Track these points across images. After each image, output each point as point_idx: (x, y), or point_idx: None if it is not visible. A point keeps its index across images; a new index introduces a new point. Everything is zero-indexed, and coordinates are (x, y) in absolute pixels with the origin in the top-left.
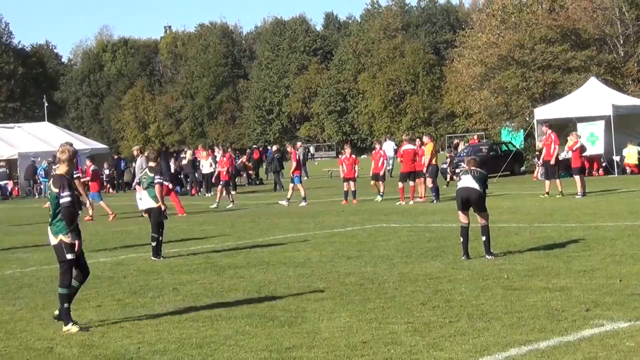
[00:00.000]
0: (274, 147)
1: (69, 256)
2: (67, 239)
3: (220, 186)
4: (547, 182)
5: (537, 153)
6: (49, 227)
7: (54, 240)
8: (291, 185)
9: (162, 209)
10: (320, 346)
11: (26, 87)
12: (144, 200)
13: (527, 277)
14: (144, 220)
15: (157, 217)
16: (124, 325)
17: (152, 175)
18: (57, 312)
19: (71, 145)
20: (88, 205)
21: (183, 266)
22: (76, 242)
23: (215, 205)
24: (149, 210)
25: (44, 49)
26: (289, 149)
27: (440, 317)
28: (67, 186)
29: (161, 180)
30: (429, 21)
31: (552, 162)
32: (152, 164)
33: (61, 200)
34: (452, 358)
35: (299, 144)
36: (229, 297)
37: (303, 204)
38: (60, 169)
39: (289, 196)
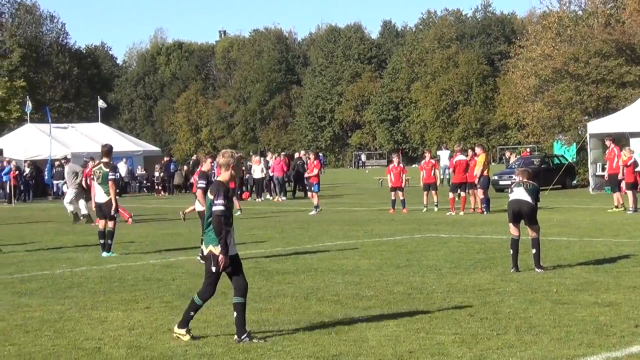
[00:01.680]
0: (296, 154)
1: (213, 269)
2: (216, 250)
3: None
4: (615, 195)
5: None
6: (202, 236)
7: (205, 251)
8: (312, 193)
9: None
10: (367, 354)
11: (80, 88)
12: (196, 203)
13: (576, 292)
14: (194, 223)
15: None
16: (172, 327)
17: (199, 180)
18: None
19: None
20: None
21: None
22: (221, 256)
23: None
24: (200, 213)
25: (99, 50)
26: (302, 156)
27: (487, 329)
28: (223, 194)
29: (203, 185)
30: (484, 32)
31: (620, 175)
32: (203, 168)
33: (213, 208)
34: None
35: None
36: (277, 302)
37: (313, 212)
38: (222, 175)
39: (316, 203)
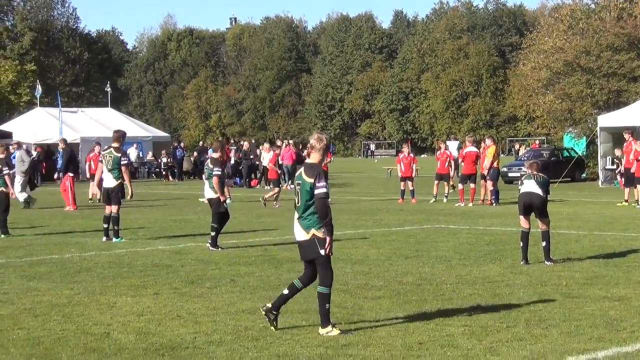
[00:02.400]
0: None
1: (322, 252)
2: (320, 233)
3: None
4: (627, 190)
5: (615, 160)
6: (296, 221)
7: (304, 236)
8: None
9: (222, 200)
10: (377, 345)
11: (90, 73)
12: (206, 190)
13: (585, 285)
14: (202, 209)
15: (217, 208)
16: (180, 314)
17: (211, 167)
18: (269, 304)
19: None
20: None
21: (241, 258)
22: (327, 238)
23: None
24: (210, 201)
25: (109, 35)
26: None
27: (497, 322)
28: (324, 177)
29: (219, 173)
30: (495, 23)
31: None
32: (215, 155)
33: (316, 191)
34: None
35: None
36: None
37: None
38: (314, 157)
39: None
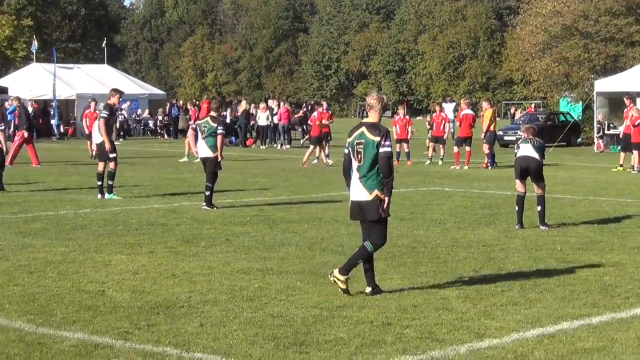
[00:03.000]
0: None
1: (383, 214)
2: (381, 194)
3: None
4: (622, 155)
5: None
6: (357, 181)
7: (366, 196)
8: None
9: (220, 159)
10: (371, 307)
11: (87, 29)
12: (201, 149)
13: (580, 251)
14: (197, 168)
15: (213, 167)
16: (175, 273)
17: (214, 125)
18: (369, 288)
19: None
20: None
21: (236, 217)
22: (387, 198)
23: (185, 159)
24: (205, 160)
25: None
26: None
27: (492, 286)
28: (389, 136)
29: (223, 131)
30: None
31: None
32: (214, 113)
33: (382, 150)
34: (503, 327)
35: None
36: (281, 251)
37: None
38: (373, 116)
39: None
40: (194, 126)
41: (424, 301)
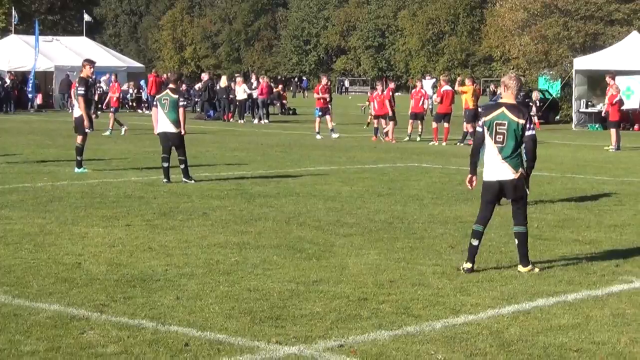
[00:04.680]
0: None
1: (527, 191)
2: (524, 173)
3: (111, 112)
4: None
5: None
6: (501, 162)
7: (512, 175)
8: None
9: (183, 133)
10: (348, 282)
11: (66, 1)
12: (162, 122)
13: (557, 228)
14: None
15: (179, 142)
16: (152, 246)
17: (175, 96)
18: (467, 264)
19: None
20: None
21: (213, 191)
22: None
23: (108, 133)
24: (166, 134)
25: None
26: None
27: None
28: (529, 118)
29: (185, 103)
30: None
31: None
32: (172, 85)
33: (528, 132)
34: (479, 304)
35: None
36: (258, 225)
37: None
38: (508, 96)
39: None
40: (154, 103)
41: (401, 276)
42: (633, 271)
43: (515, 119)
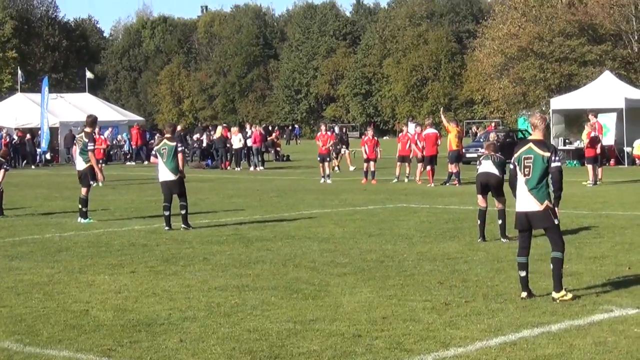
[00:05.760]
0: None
1: (556, 221)
2: (551, 204)
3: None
4: (600, 170)
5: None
6: (527, 193)
7: (537, 206)
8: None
9: (184, 177)
10: (342, 319)
11: (69, 59)
12: (162, 172)
13: (539, 261)
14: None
15: (180, 188)
16: (156, 291)
17: (173, 144)
18: (523, 293)
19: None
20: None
21: (213, 237)
22: (557, 208)
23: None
24: (168, 183)
25: (86, 23)
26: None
27: (456, 297)
28: (558, 152)
29: (183, 148)
30: (453, 10)
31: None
32: (168, 135)
33: (554, 164)
34: (468, 337)
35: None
36: (256, 268)
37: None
38: (537, 134)
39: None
40: (153, 153)
41: (392, 313)
42: (613, 300)
43: (541, 152)
